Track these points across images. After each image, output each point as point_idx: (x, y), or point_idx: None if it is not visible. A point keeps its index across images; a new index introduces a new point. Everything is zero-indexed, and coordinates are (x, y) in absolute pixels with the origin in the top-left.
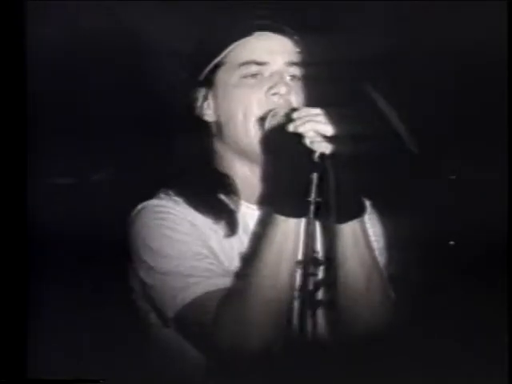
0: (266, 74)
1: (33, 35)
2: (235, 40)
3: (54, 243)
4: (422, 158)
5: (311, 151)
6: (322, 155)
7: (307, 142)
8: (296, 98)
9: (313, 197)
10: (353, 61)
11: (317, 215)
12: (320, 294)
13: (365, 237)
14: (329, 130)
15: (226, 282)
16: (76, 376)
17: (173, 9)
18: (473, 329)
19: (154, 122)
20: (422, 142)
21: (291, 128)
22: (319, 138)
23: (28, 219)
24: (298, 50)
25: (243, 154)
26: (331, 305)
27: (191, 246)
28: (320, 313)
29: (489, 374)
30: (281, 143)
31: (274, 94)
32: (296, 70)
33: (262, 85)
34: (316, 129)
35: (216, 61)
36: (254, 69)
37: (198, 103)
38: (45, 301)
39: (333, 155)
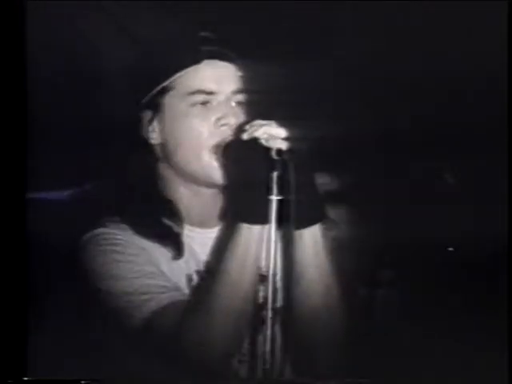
0: (214, 103)
1: (33, 35)
2: (184, 67)
3: (55, 243)
4: (421, 160)
5: (268, 150)
6: (280, 151)
7: (263, 142)
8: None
9: (274, 194)
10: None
11: (280, 221)
12: (278, 302)
13: (325, 242)
14: (282, 132)
15: (180, 295)
16: (76, 376)
17: (126, 29)
18: (473, 329)
19: (103, 141)
20: (422, 143)
21: (246, 136)
22: (274, 138)
23: (28, 220)
24: (241, 74)
25: (191, 178)
26: (290, 312)
27: (142, 266)
28: (278, 321)
29: (489, 373)
30: (238, 153)
31: (224, 125)
32: (241, 97)
33: (210, 115)
34: (270, 132)
35: (163, 85)
36: (201, 98)
37: (143, 126)
38: (45, 301)
39: (290, 150)
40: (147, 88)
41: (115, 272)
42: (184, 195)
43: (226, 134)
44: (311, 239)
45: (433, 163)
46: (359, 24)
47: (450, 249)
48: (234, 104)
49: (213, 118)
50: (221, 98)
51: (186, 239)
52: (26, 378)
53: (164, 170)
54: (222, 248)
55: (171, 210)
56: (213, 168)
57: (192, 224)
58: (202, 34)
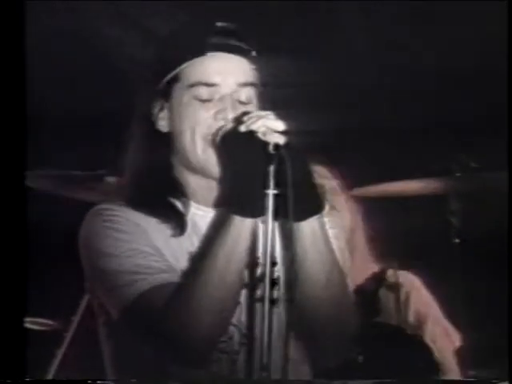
0: (217, 96)
1: (33, 35)
2: (189, 58)
3: (55, 240)
4: (422, 156)
5: (266, 144)
6: (277, 146)
7: (260, 135)
8: None
9: (271, 189)
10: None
11: (276, 213)
12: (276, 293)
13: (323, 235)
14: (280, 125)
15: (170, 277)
16: (76, 376)
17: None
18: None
19: (118, 126)
20: (423, 139)
21: (243, 128)
22: (271, 131)
23: (28, 215)
24: (254, 67)
25: (191, 167)
26: (290, 303)
27: (135, 244)
28: (277, 311)
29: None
30: (235, 145)
31: (222, 118)
32: (251, 91)
33: (210, 107)
34: (267, 124)
35: (172, 75)
36: (204, 91)
37: (154, 113)
38: (45, 300)
39: (287, 144)
40: (158, 77)
41: (109, 250)
42: (191, 181)
43: (223, 125)
44: (309, 229)
45: (436, 161)
46: (362, 22)
47: (457, 240)
48: (240, 99)
49: (213, 111)
50: (224, 91)
51: (193, 217)
52: (26, 379)
53: (172, 157)
54: (213, 235)
55: (178, 190)
56: (209, 160)
57: (199, 203)
58: (210, 25)
